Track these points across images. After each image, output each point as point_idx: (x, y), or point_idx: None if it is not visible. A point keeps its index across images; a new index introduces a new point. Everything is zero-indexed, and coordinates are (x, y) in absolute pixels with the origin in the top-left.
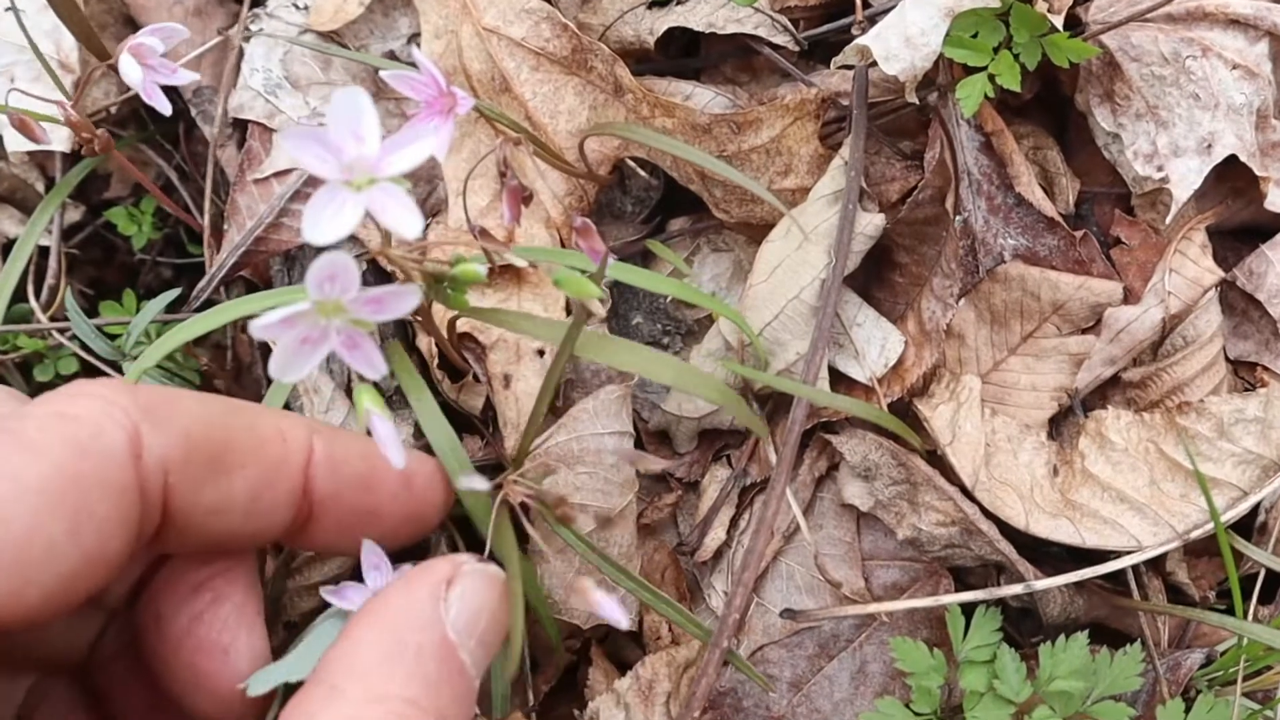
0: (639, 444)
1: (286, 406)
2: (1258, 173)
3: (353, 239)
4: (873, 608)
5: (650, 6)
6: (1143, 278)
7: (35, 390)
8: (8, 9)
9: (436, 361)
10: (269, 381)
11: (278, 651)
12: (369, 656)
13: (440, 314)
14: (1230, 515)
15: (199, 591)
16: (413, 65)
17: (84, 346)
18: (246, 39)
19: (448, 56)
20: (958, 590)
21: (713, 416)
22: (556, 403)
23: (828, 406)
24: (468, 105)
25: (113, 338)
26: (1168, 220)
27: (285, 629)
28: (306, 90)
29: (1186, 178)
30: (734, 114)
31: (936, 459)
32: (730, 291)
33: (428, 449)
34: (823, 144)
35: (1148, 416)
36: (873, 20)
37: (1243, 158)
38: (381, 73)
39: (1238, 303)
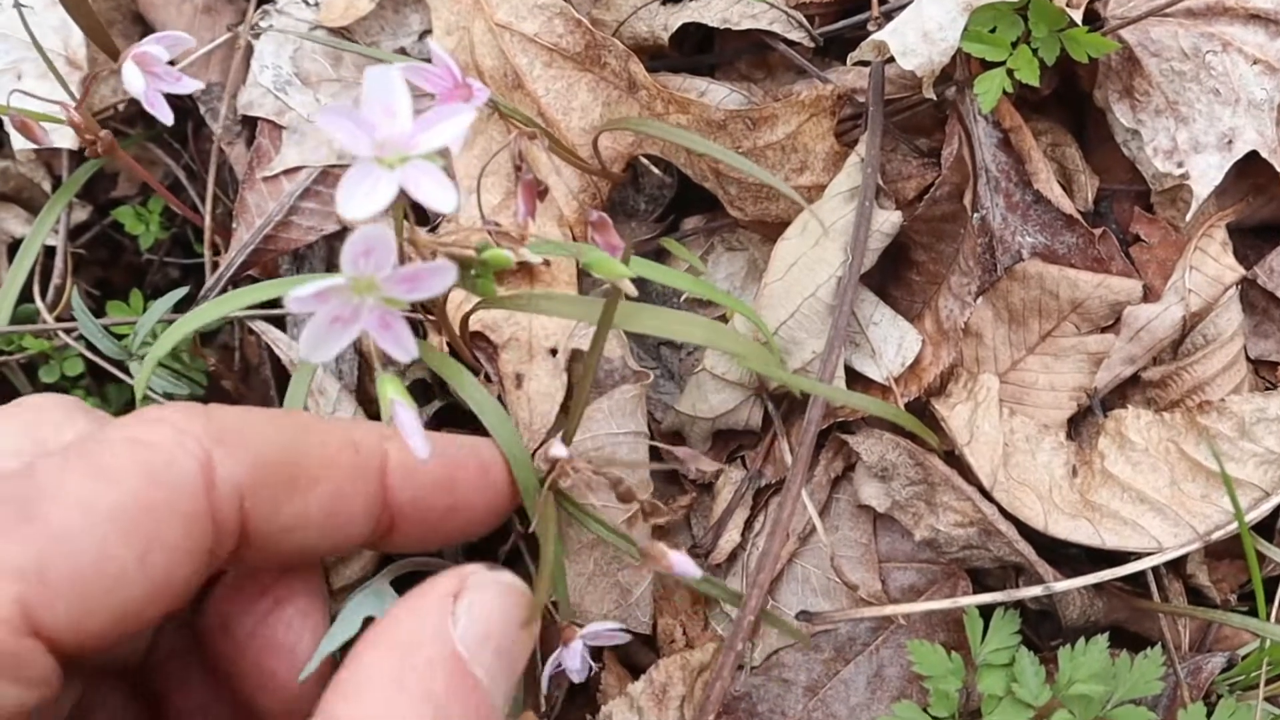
0: (652, 445)
1: None
2: (1279, 169)
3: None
4: (890, 610)
5: (664, 2)
6: (1163, 276)
7: (41, 390)
8: (14, 4)
9: None
10: (277, 382)
11: None
12: (372, 681)
13: (453, 312)
14: (1253, 516)
15: (265, 594)
16: (425, 62)
17: (90, 347)
18: (256, 36)
19: (459, 53)
20: (976, 592)
21: (727, 417)
22: (568, 403)
23: (844, 405)
24: (484, 96)
25: (119, 338)
26: (1188, 217)
27: None
28: (317, 87)
29: (1207, 174)
30: (749, 110)
31: (954, 459)
32: (745, 290)
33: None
34: (839, 141)
35: (1168, 416)
36: (889, 16)
37: (1264, 154)
38: (395, 66)
39: (1259, 301)
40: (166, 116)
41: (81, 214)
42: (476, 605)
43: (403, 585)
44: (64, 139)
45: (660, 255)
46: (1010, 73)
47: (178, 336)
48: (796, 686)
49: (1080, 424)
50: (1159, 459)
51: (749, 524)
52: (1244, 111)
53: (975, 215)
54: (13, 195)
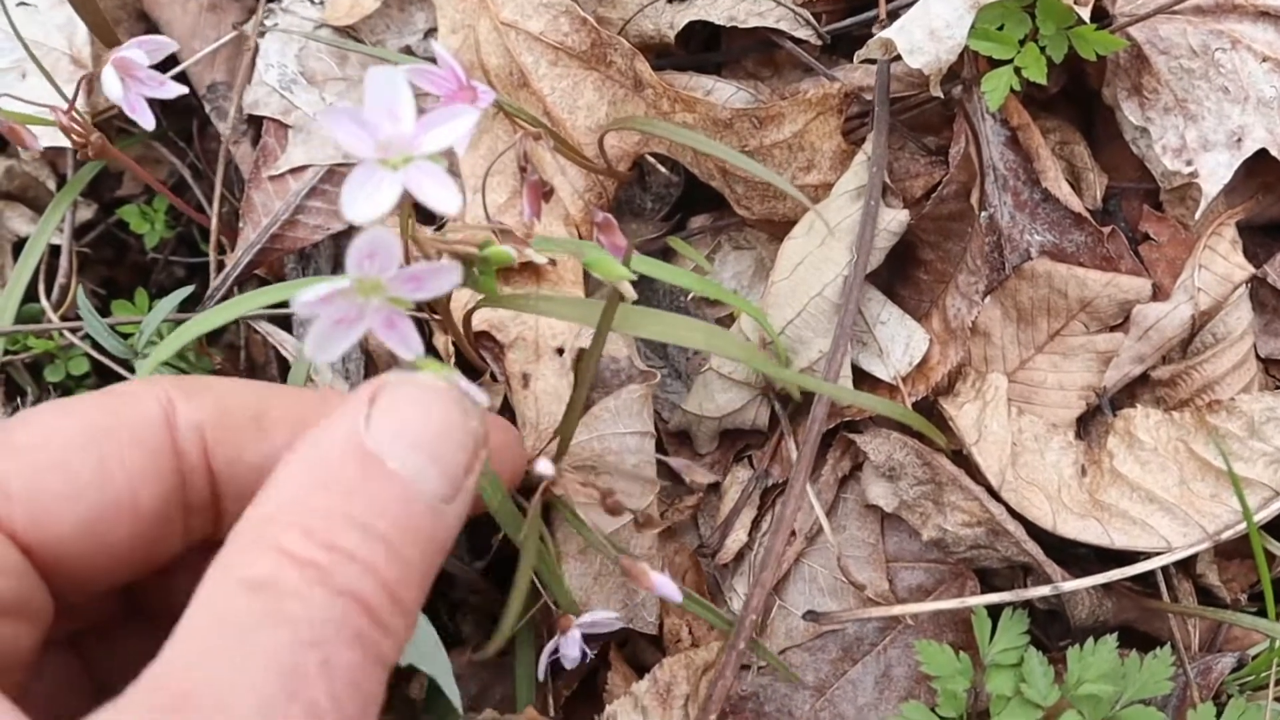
0: (659, 445)
1: None
2: None
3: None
4: (897, 610)
5: (670, 0)
6: (1172, 274)
7: (46, 391)
8: (19, 3)
9: (453, 361)
10: (283, 381)
11: None
12: (282, 482)
13: (458, 311)
14: (1262, 516)
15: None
16: (430, 60)
17: (95, 346)
18: (261, 34)
19: (465, 51)
20: (983, 592)
21: (734, 416)
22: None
23: (851, 405)
24: (488, 99)
25: (125, 337)
26: (1197, 215)
27: None
28: (322, 86)
29: (1216, 172)
30: (756, 109)
31: (962, 459)
32: (752, 289)
33: None
34: (845, 139)
35: (1177, 415)
36: (896, 14)
37: (1273, 151)
38: (400, 67)
39: (1269, 299)
40: (148, 121)
41: (86, 213)
42: (392, 403)
43: None
44: (61, 139)
45: (667, 254)
46: (1018, 71)
47: (184, 339)
48: (804, 686)
49: (1089, 423)
50: (1168, 458)
51: (756, 524)
52: (1253, 109)
53: (983, 214)
54: (17, 194)
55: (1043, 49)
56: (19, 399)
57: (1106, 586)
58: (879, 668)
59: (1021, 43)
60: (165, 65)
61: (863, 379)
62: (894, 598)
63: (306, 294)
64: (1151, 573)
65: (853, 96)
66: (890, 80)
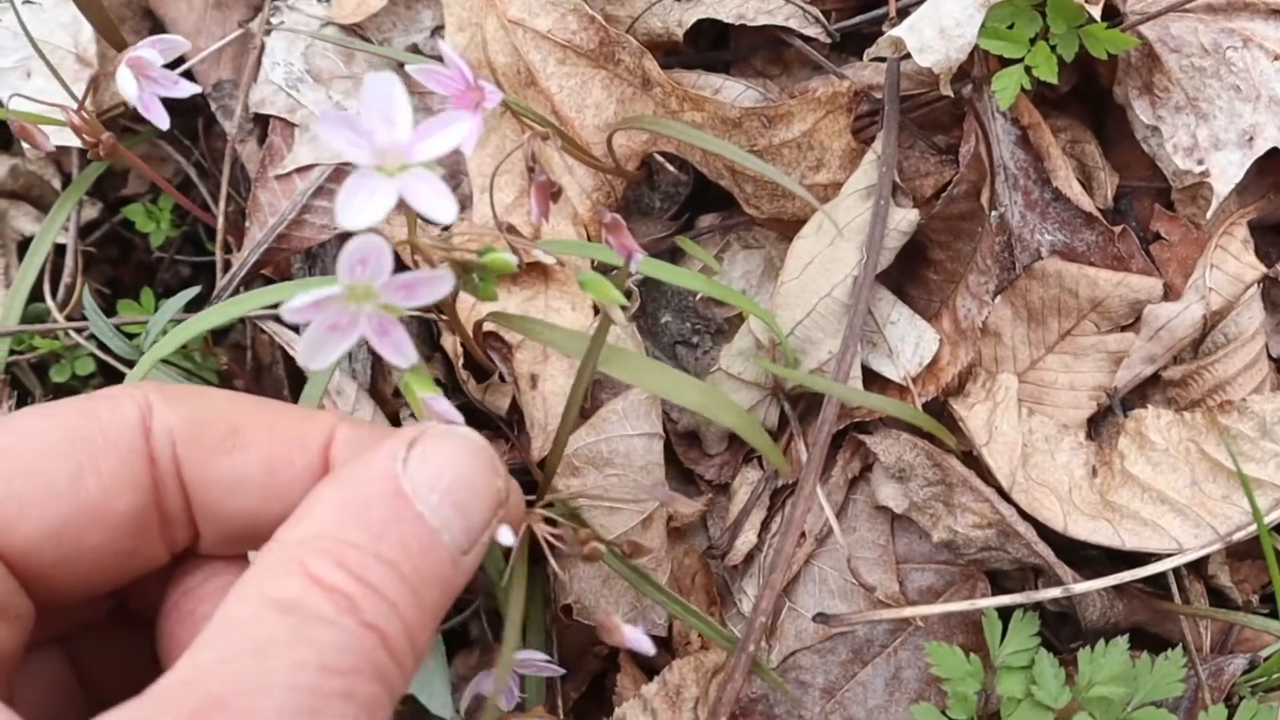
0: (668, 445)
1: None
2: None
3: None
4: (908, 612)
5: None
6: (1183, 274)
7: (51, 391)
8: (24, 1)
9: (462, 361)
10: (290, 381)
11: None
12: (314, 511)
13: (466, 312)
14: (1273, 517)
15: (196, 571)
16: (437, 59)
17: (101, 346)
18: (267, 32)
19: (472, 50)
20: (994, 594)
21: None
22: (584, 404)
23: (861, 405)
24: (496, 99)
25: (131, 337)
26: (1208, 215)
27: None
28: (329, 84)
29: (1227, 171)
30: (765, 108)
31: (972, 460)
32: (761, 289)
33: None
34: (855, 138)
35: (1188, 416)
36: (905, 11)
37: None
38: (407, 67)
39: None
40: (162, 121)
41: (92, 211)
42: (429, 451)
43: None
44: (70, 138)
45: (675, 254)
46: (1028, 69)
47: (185, 336)
48: (814, 688)
49: (1100, 424)
50: (1179, 459)
51: (766, 525)
52: (1265, 108)
53: (993, 213)
54: (22, 193)
55: (1053, 47)
56: (29, 399)
57: (1118, 588)
58: (889, 670)
59: (1032, 41)
60: (171, 64)
61: (872, 379)
62: (904, 599)
63: (296, 300)
64: (1163, 574)
65: (862, 95)
66: (900, 78)
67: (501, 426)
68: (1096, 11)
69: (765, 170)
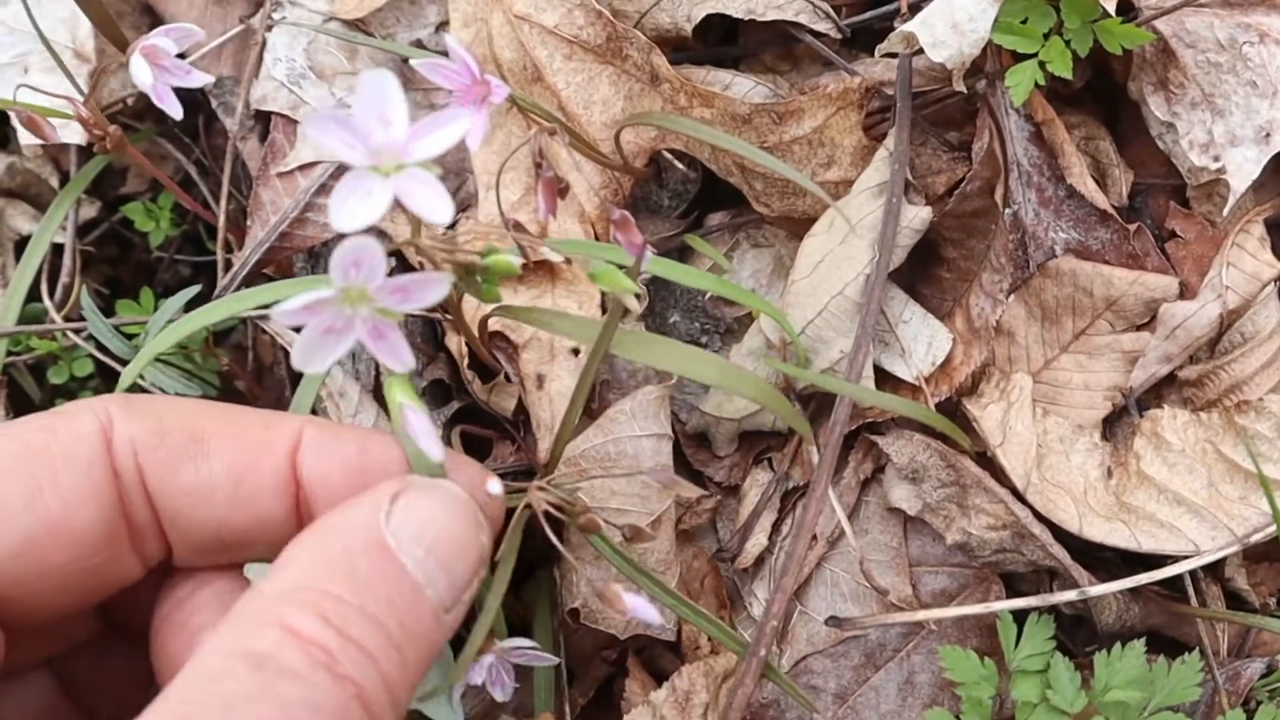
0: (677, 446)
1: (313, 412)
2: None
3: (379, 233)
4: (921, 615)
5: None
6: (1199, 272)
7: (49, 392)
8: None
9: (467, 361)
10: (292, 382)
11: None
12: (295, 561)
13: (471, 312)
14: None
15: (184, 581)
16: (442, 54)
17: (99, 347)
18: (269, 28)
19: (477, 45)
20: (1009, 597)
21: (753, 418)
22: (592, 404)
23: (873, 406)
24: (503, 94)
25: (130, 337)
26: (1224, 212)
27: None
28: (331, 80)
29: (1244, 168)
30: (775, 104)
31: (986, 461)
32: (771, 288)
33: None
34: (866, 135)
35: (1205, 416)
36: (917, 7)
37: None
38: (412, 61)
39: None
40: (176, 111)
41: (90, 210)
42: (414, 505)
43: None
44: (72, 134)
45: (684, 252)
46: (1042, 65)
47: (181, 333)
48: (826, 693)
49: (1115, 424)
50: (1196, 460)
51: (776, 528)
52: None
53: (1007, 211)
54: (19, 191)
55: (1067, 43)
56: (27, 402)
57: (1134, 591)
58: (902, 674)
59: (1046, 36)
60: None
61: (884, 379)
62: (917, 603)
63: (289, 303)
64: (1179, 577)
65: (873, 91)
66: (912, 74)
67: (507, 428)
68: (1111, 6)
69: (777, 167)
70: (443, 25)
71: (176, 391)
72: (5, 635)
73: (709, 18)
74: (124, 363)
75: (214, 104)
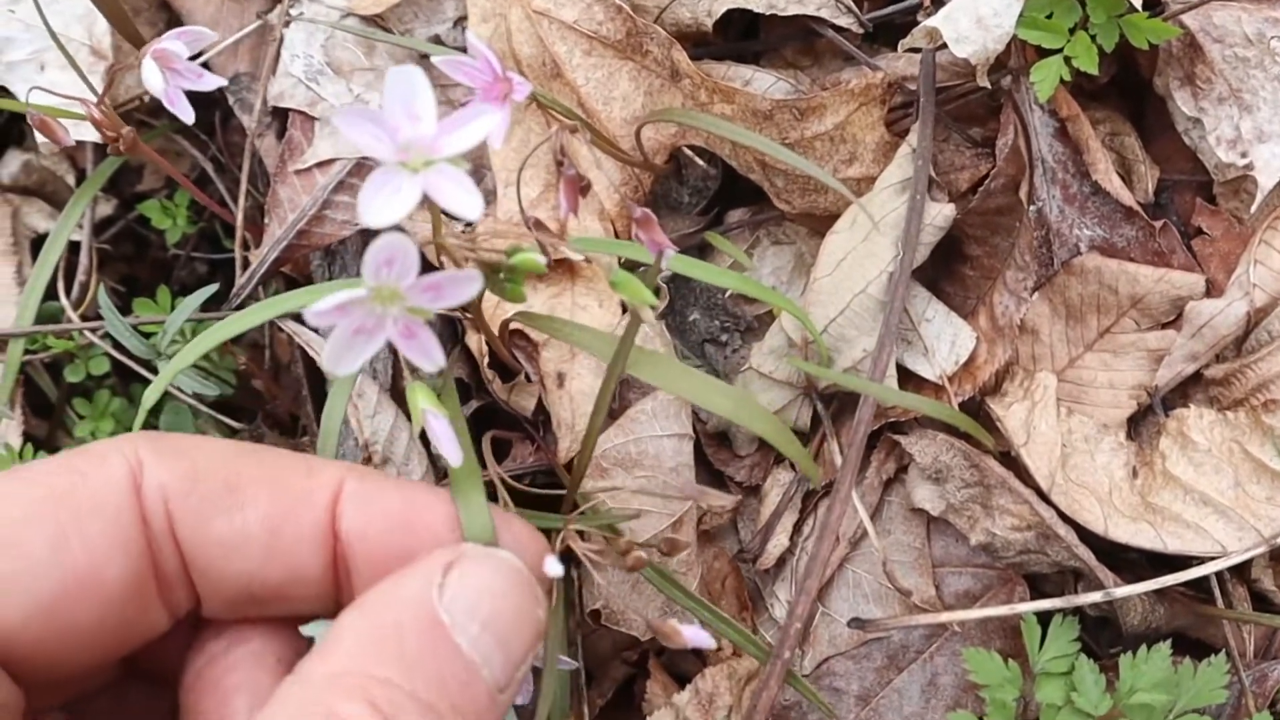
0: (697, 446)
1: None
2: None
3: (401, 230)
4: (944, 617)
5: None
6: (1226, 270)
7: (66, 391)
8: None
9: (487, 360)
10: (309, 380)
11: None
12: (343, 639)
13: (490, 310)
14: None
15: (219, 635)
16: (460, 49)
17: (116, 346)
18: (286, 24)
19: (496, 41)
20: (1033, 598)
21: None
22: (612, 404)
23: (896, 405)
24: (525, 90)
25: (147, 336)
26: (1252, 209)
27: None
28: (349, 76)
29: (1271, 164)
30: (796, 100)
31: (1010, 460)
32: (791, 286)
33: None
34: (889, 131)
35: (1232, 415)
36: (940, 1)
37: None
38: (433, 58)
39: None
40: (188, 115)
41: (106, 208)
42: (469, 576)
43: None
44: (88, 132)
45: (704, 250)
46: (1068, 60)
47: (210, 343)
48: (848, 695)
49: (1140, 424)
50: (1222, 460)
51: (798, 528)
52: None
53: (1031, 207)
54: (36, 189)
55: (1093, 37)
56: (43, 401)
57: (1159, 592)
58: (925, 676)
59: (1071, 31)
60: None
61: (907, 378)
62: (941, 604)
63: (321, 304)
64: (1205, 578)
65: (896, 87)
66: (935, 70)
67: (527, 427)
68: (1138, 0)
69: (800, 164)
70: (460, 20)
71: (194, 391)
72: (24, 689)
73: (729, 12)
74: (141, 361)
75: (231, 101)
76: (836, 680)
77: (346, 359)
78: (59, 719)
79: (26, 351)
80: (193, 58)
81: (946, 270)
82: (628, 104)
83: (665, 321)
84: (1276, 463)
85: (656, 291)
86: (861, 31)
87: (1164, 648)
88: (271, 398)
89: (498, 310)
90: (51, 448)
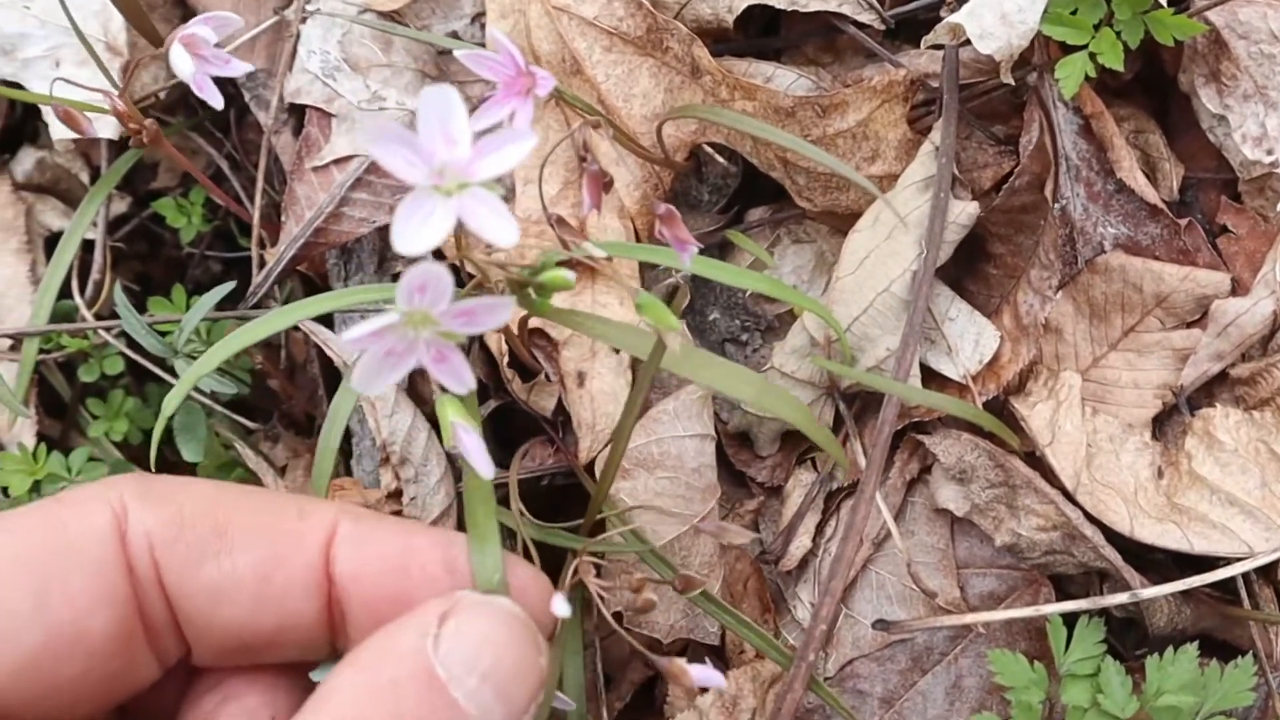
0: (719, 446)
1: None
2: None
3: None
4: (969, 618)
5: None
6: (1251, 268)
7: (80, 390)
8: None
9: (506, 360)
10: (325, 380)
11: None
12: (335, 697)
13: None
14: None
15: (212, 689)
16: (479, 45)
17: (131, 344)
18: (303, 20)
19: (515, 37)
20: (1058, 599)
21: None
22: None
23: (920, 405)
24: (549, 85)
25: (163, 335)
26: (1278, 207)
27: None
28: (366, 73)
29: None
30: (819, 97)
31: (1035, 460)
32: (812, 284)
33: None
34: (911, 128)
35: (1258, 415)
36: None
37: None
38: (456, 52)
39: None
40: (216, 101)
41: (120, 206)
42: (465, 626)
43: None
44: (105, 129)
45: (724, 248)
46: (1093, 57)
47: (232, 349)
48: (872, 698)
49: (1166, 423)
50: (1249, 460)
51: (820, 529)
52: None
53: (1055, 205)
54: (50, 187)
55: (1118, 34)
56: (57, 401)
57: (1185, 593)
58: (950, 678)
59: (1096, 27)
60: None
61: (931, 378)
62: (965, 605)
63: (354, 330)
64: (1232, 579)
65: (919, 84)
66: (958, 66)
67: (547, 428)
68: None
69: (824, 160)
70: (479, 17)
71: (211, 389)
72: None
73: (750, 9)
74: (156, 360)
75: (247, 97)
76: (860, 682)
77: (376, 381)
78: None
79: (41, 350)
80: (216, 48)
81: (970, 269)
82: (648, 101)
83: (685, 321)
84: None
85: (675, 289)
86: (883, 28)
87: (1190, 649)
88: (287, 397)
89: (517, 308)
90: (65, 448)
